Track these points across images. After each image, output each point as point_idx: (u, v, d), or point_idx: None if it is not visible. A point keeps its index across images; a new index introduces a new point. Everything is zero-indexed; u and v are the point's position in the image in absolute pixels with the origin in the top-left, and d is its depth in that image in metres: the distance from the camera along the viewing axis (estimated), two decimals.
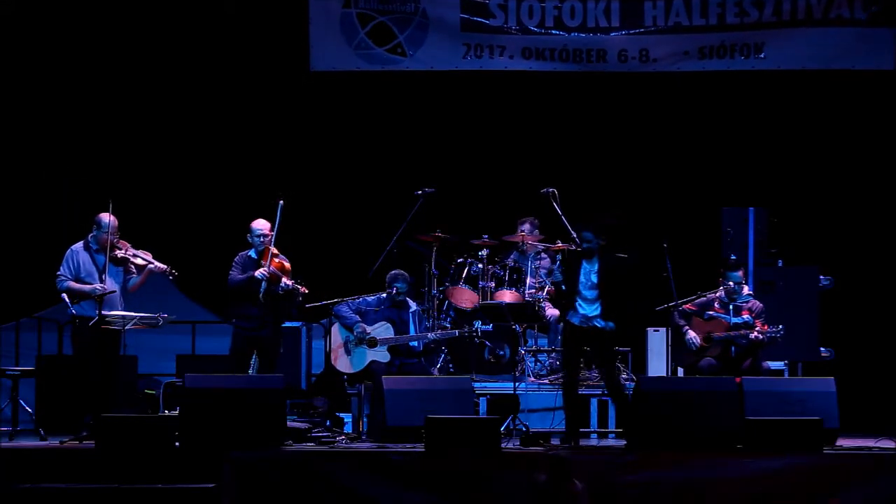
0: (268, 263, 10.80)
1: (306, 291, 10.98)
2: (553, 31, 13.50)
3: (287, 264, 10.97)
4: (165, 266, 10.61)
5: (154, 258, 10.67)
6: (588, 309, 10.16)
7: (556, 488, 8.50)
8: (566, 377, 10.29)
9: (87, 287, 10.45)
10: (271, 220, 10.93)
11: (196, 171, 13.90)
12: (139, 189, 13.43)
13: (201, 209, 13.66)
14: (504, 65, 13.61)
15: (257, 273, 10.79)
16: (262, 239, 10.93)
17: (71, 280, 10.51)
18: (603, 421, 11.44)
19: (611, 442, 10.75)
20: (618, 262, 10.26)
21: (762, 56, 13.39)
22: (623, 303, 10.15)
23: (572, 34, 13.50)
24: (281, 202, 10.86)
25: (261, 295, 10.77)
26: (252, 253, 11.01)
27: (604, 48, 13.52)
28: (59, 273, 10.55)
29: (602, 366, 10.46)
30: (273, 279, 10.83)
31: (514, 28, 13.56)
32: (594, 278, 10.15)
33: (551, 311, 10.93)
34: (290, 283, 10.90)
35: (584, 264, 10.20)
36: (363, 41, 13.65)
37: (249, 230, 10.99)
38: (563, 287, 10.27)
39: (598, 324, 10.10)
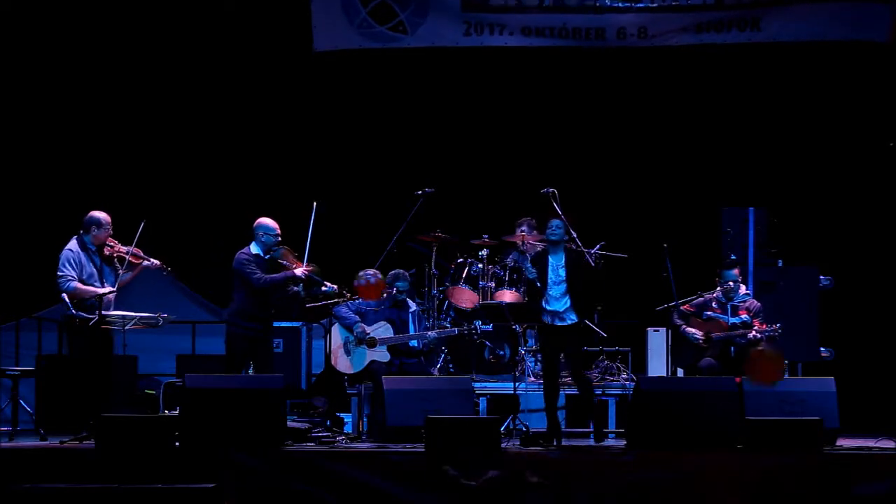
0: (304, 263, 10.47)
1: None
2: (552, 9, 13.56)
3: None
4: (158, 262, 10.39)
5: (147, 254, 10.39)
6: (557, 305, 10.18)
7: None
8: (549, 382, 10.30)
9: (91, 289, 10.17)
10: (285, 222, 10.57)
11: (196, 165, 13.91)
12: (138, 185, 13.45)
13: (202, 202, 13.66)
14: (504, 41, 13.68)
15: (298, 271, 10.42)
16: (277, 238, 10.53)
17: (76, 280, 10.20)
18: (603, 421, 11.42)
19: (611, 442, 10.74)
20: (578, 255, 10.31)
21: (759, 30, 13.44)
22: (588, 295, 10.14)
23: (571, 14, 13.57)
24: (315, 204, 10.49)
25: (301, 294, 10.59)
26: (259, 251, 10.55)
27: (602, 26, 13.60)
28: (61, 273, 10.18)
29: (573, 362, 10.43)
30: (310, 281, 10.59)
31: (513, 4, 13.61)
32: (561, 273, 10.17)
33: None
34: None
35: (551, 260, 10.23)
36: (365, 20, 13.72)
37: (260, 228, 10.53)
38: (538, 283, 10.23)
39: (572, 318, 10.11)
